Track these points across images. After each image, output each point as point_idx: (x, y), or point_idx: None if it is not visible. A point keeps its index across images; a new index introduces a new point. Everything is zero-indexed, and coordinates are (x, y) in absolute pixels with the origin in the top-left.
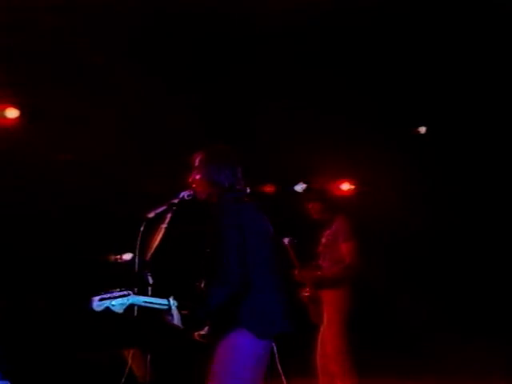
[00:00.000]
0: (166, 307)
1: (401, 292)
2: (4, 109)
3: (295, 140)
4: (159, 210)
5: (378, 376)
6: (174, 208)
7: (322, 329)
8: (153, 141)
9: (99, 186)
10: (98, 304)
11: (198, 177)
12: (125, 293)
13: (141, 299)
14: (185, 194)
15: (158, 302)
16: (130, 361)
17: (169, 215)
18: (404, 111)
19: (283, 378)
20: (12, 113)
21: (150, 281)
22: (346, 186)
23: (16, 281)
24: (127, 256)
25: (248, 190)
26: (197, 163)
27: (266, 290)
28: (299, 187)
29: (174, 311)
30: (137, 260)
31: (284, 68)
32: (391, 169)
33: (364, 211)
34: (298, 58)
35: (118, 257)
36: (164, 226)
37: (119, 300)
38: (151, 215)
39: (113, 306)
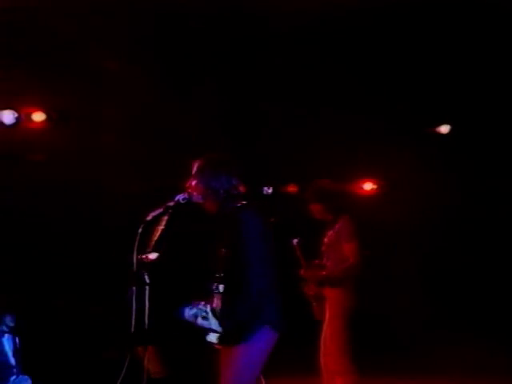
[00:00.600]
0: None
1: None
2: (31, 112)
3: (318, 139)
4: (156, 213)
5: (378, 376)
6: (170, 211)
7: (324, 326)
8: (177, 142)
9: (124, 186)
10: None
11: (194, 182)
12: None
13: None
14: (180, 197)
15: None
16: (144, 357)
17: (165, 217)
18: (426, 110)
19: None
20: (38, 116)
21: (147, 280)
22: (368, 186)
23: (41, 279)
24: (153, 256)
25: (270, 191)
26: (195, 169)
27: (277, 288)
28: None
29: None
30: (135, 260)
31: (306, 67)
32: (413, 168)
33: (386, 210)
34: (320, 57)
35: (144, 256)
36: (161, 227)
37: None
38: (149, 218)
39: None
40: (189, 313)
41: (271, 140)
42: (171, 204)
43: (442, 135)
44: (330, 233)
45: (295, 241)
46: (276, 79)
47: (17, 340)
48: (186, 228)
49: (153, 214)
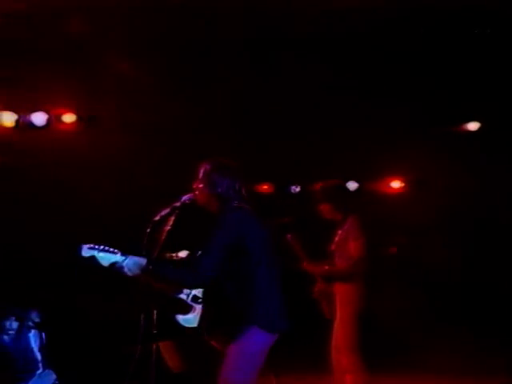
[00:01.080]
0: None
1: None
2: (61, 114)
3: (347, 138)
4: (164, 213)
5: (381, 375)
6: (177, 211)
7: (334, 324)
8: (203, 143)
9: (155, 187)
10: (86, 251)
11: (200, 185)
12: (113, 250)
13: (131, 264)
14: (186, 198)
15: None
16: (163, 352)
17: (172, 218)
18: (455, 107)
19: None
20: (69, 118)
21: None
22: (396, 184)
23: (66, 275)
24: (183, 253)
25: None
26: (201, 173)
27: (271, 290)
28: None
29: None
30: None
31: (333, 64)
32: (441, 166)
33: (413, 209)
34: (347, 53)
35: (174, 254)
36: (168, 227)
37: (106, 254)
38: (157, 218)
39: (99, 257)
40: (86, 250)
41: (300, 139)
42: (177, 205)
43: (471, 132)
44: (340, 232)
45: (289, 236)
46: (299, 76)
47: (43, 336)
48: (191, 227)
49: (160, 214)
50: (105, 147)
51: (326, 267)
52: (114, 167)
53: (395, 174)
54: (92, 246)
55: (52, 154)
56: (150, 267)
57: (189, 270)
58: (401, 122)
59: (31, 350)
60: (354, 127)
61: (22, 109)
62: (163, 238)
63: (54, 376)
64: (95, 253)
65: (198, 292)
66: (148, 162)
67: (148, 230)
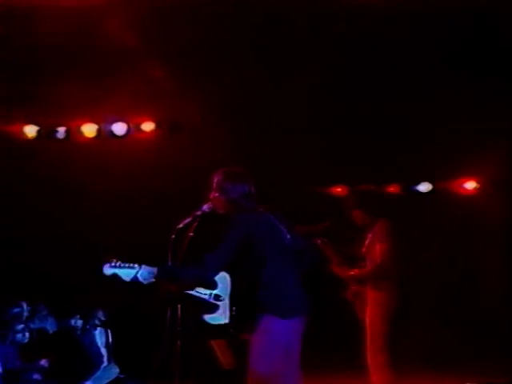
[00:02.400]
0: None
1: None
2: (141, 122)
3: (420, 138)
4: (186, 221)
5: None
6: (198, 219)
7: (366, 325)
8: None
9: None
10: (107, 269)
11: (216, 194)
12: (134, 265)
13: (146, 274)
14: (205, 207)
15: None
16: (216, 349)
17: (194, 225)
18: None
19: None
20: (148, 126)
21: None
22: (470, 185)
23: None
24: None
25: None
26: (214, 183)
27: (282, 282)
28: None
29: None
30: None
31: (405, 66)
32: None
33: (488, 211)
34: (422, 57)
35: None
36: (191, 234)
37: (127, 270)
38: (180, 225)
39: (121, 273)
40: (107, 269)
41: (375, 139)
42: (198, 213)
43: None
44: (369, 235)
45: (319, 241)
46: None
47: (108, 333)
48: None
49: (184, 222)
50: (185, 154)
51: (355, 270)
52: (194, 174)
53: (470, 175)
54: (112, 263)
55: (132, 162)
56: (160, 273)
57: (197, 268)
58: (477, 119)
59: (96, 346)
60: (429, 127)
61: (103, 119)
62: (186, 243)
63: (117, 370)
64: (116, 270)
65: (218, 291)
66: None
67: (172, 237)
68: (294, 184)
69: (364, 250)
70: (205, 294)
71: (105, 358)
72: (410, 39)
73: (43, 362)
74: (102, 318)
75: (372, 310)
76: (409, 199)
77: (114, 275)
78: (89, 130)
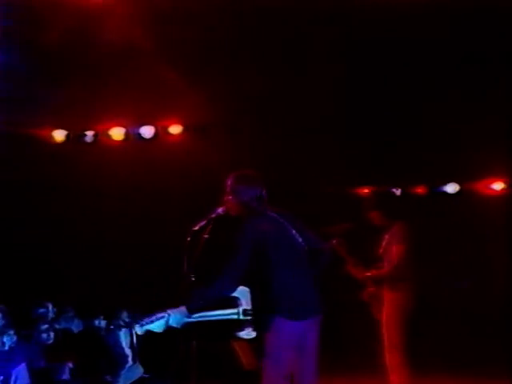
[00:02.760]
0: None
1: None
2: (168, 125)
3: (446, 138)
4: (202, 224)
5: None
6: (212, 222)
7: (382, 325)
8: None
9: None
10: (139, 329)
11: (229, 197)
12: (162, 315)
13: (178, 318)
14: (220, 209)
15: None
16: (237, 350)
17: (209, 227)
18: None
19: None
20: (176, 129)
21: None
22: (498, 186)
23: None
24: None
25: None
26: (228, 186)
27: (293, 284)
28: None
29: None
30: (185, 264)
31: (431, 65)
32: None
33: None
34: (449, 55)
35: None
36: (206, 236)
37: (157, 323)
38: (196, 228)
39: (152, 328)
40: (139, 328)
41: (400, 140)
42: (213, 216)
43: None
44: (386, 236)
45: (334, 241)
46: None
47: (133, 334)
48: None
49: (199, 224)
50: (212, 157)
51: (372, 271)
52: (220, 176)
53: (497, 175)
54: (142, 322)
55: (160, 164)
56: (191, 309)
57: (218, 280)
58: (505, 119)
59: (120, 346)
60: (454, 126)
61: (130, 122)
62: (201, 245)
63: (141, 370)
64: (148, 327)
65: (245, 305)
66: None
67: (188, 239)
68: (321, 185)
69: (381, 251)
70: (233, 314)
71: (129, 358)
72: (439, 38)
73: (69, 363)
74: (127, 319)
75: (388, 311)
76: (436, 200)
77: (147, 332)
78: (117, 133)
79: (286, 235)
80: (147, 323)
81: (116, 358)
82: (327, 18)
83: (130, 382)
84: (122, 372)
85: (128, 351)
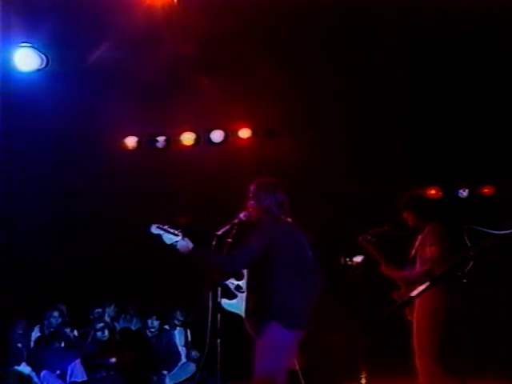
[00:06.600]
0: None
1: None
2: (238, 129)
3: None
4: (225, 228)
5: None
6: (235, 226)
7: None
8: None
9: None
10: (155, 229)
11: (252, 203)
12: (178, 233)
13: (184, 245)
14: (242, 215)
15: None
16: None
17: (233, 231)
18: None
19: None
20: (245, 133)
21: None
22: None
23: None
24: (358, 258)
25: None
26: (251, 191)
27: (293, 291)
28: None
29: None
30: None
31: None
32: None
33: None
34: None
35: (348, 259)
36: (229, 240)
37: (170, 235)
38: (220, 232)
39: (164, 236)
40: (154, 229)
41: (465, 141)
42: (236, 221)
43: None
44: (419, 237)
45: (360, 238)
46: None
47: (187, 333)
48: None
49: (223, 229)
50: (281, 160)
51: (405, 272)
52: (289, 179)
53: None
54: (160, 225)
55: (230, 168)
56: (194, 250)
57: (227, 258)
58: None
59: (174, 345)
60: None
61: (201, 127)
62: (226, 249)
63: (193, 367)
64: (161, 232)
65: (241, 282)
66: (322, 174)
67: (213, 243)
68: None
69: (413, 252)
70: (231, 283)
71: (183, 356)
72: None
73: (112, 360)
74: (181, 318)
75: (420, 313)
76: (475, 202)
77: (158, 236)
78: (187, 138)
79: (298, 246)
80: (163, 229)
81: (169, 356)
82: (397, 19)
83: (184, 379)
84: (175, 369)
85: (182, 349)
